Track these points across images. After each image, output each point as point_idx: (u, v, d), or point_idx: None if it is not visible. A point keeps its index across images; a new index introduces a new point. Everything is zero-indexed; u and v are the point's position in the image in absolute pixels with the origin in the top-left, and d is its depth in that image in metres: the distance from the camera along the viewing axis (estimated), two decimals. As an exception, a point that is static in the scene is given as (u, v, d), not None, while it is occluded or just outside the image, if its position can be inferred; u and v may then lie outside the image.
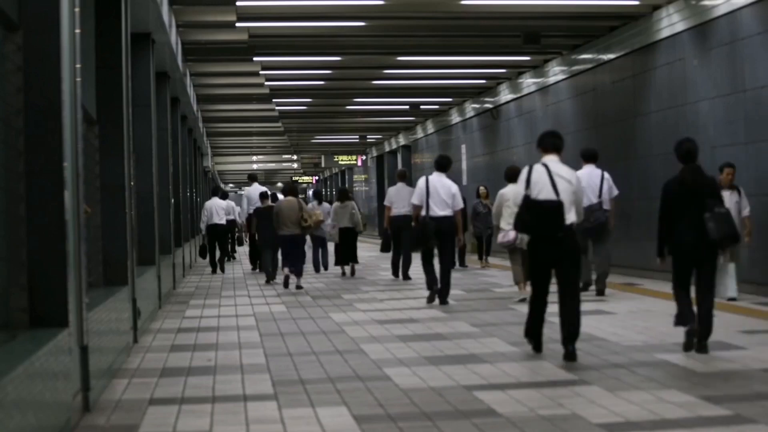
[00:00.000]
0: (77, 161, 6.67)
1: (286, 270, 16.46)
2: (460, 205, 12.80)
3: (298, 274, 16.28)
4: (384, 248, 18.12)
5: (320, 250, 20.26)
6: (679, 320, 8.45)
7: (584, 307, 11.43)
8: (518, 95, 22.93)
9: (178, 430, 6.17)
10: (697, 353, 8.24)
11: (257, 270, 20.97)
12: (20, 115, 6.07)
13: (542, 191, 8.56)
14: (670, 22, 15.18)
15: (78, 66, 6.79)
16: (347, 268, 19.09)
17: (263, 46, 18.03)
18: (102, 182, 9.92)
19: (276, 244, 17.54)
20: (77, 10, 6.85)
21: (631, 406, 6.35)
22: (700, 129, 14.50)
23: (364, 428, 6.01)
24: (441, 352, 8.88)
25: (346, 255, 19.07)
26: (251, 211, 20.59)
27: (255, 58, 19.08)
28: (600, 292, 13.26)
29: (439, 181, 12.83)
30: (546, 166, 8.80)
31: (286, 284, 16.32)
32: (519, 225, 8.55)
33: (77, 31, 6.79)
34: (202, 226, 22.15)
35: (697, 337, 8.31)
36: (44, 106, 6.16)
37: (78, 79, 6.75)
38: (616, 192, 13.46)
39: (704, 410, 6.19)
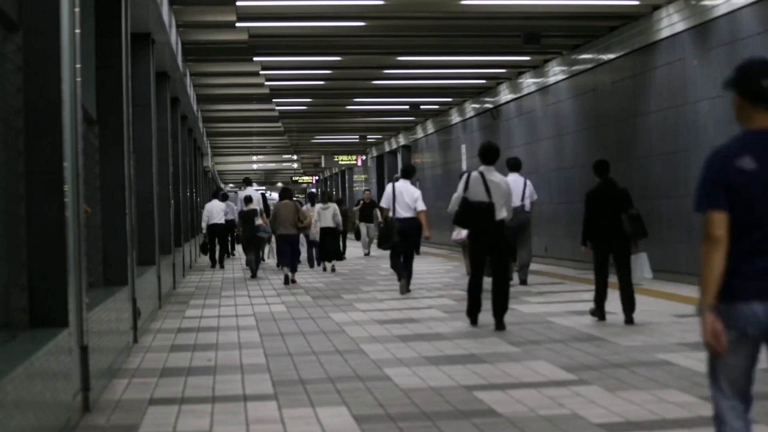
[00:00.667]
0: (77, 161, 6.67)
1: (286, 270, 17.75)
2: (421, 207, 14.54)
3: (293, 270, 17.67)
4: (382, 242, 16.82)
5: (313, 248, 21.85)
6: (596, 304, 10.81)
7: (586, 307, 11.52)
8: (518, 95, 22.93)
9: (178, 430, 6.17)
10: (626, 324, 10.31)
11: (221, 267, 23.33)
12: (20, 115, 6.07)
13: (477, 194, 10.48)
14: (670, 22, 15.18)
15: (78, 66, 6.79)
16: (328, 265, 20.54)
17: (263, 46, 18.04)
18: (102, 182, 9.92)
19: (257, 242, 20.05)
20: (77, 10, 6.85)
21: (631, 406, 6.35)
22: (700, 129, 14.50)
23: (364, 428, 6.01)
24: (441, 352, 8.88)
25: (328, 253, 20.62)
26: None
27: (255, 58, 19.09)
28: (523, 282, 15.38)
29: (404, 186, 14.70)
30: (482, 173, 10.66)
31: (286, 282, 17.35)
32: (457, 221, 10.82)
33: (77, 31, 6.80)
34: (203, 225, 24.03)
35: (624, 311, 10.52)
36: (44, 106, 6.16)
37: (78, 79, 6.75)
38: (535, 197, 15.95)
39: (704, 410, 6.18)
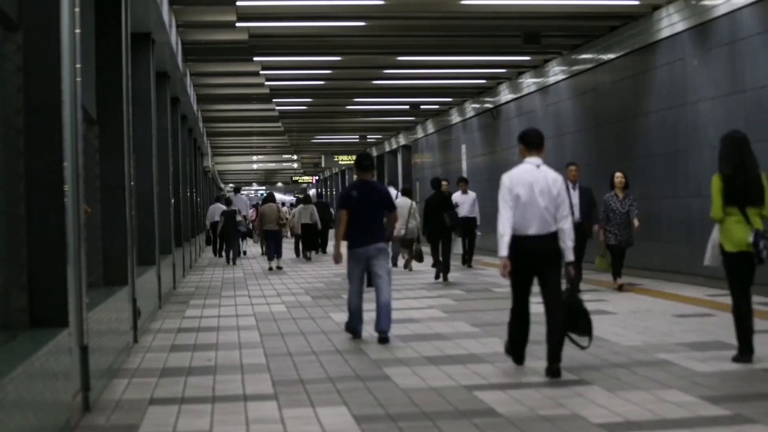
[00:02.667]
0: (77, 161, 6.67)
1: (274, 263, 22.32)
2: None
3: (279, 256, 22.58)
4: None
5: (299, 241, 26.64)
6: (437, 271, 17.02)
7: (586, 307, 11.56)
8: (518, 95, 22.93)
9: (178, 430, 6.17)
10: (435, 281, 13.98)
11: (220, 256, 27.77)
12: (20, 115, 6.07)
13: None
14: (670, 22, 15.17)
15: (78, 66, 6.79)
16: (309, 254, 25.85)
17: (263, 46, 18.04)
18: (102, 182, 9.92)
19: (236, 237, 25.77)
20: (77, 10, 6.85)
21: (631, 406, 6.35)
22: (700, 129, 14.50)
23: (364, 428, 6.01)
24: (441, 352, 8.88)
25: (306, 245, 25.77)
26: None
27: (255, 58, 19.09)
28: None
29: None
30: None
31: (270, 269, 21.93)
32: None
33: (77, 31, 6.79)
34: (207, 223, 29.85)
35: (443, 272, 16.96)
36: (44, 106, 6.16)
37: (78, 79, 6.75)
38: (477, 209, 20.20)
39: (704, 410, 6.19)
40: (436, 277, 16.84)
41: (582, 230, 12.93)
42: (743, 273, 7.90)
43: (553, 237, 7.70)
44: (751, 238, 7.76)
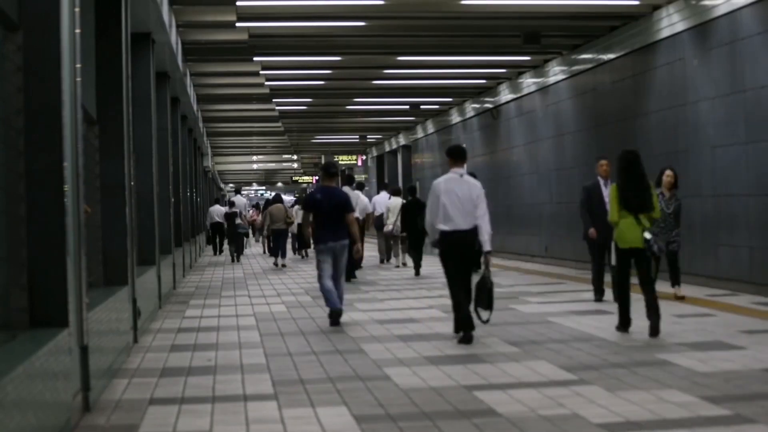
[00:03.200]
0: (77, 161, 6.67)
1: (280, 260, 23.70)
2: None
3: (283, 255, 23.92)
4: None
5: (296, 240, 27.90)
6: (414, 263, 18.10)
7: (586, 307, 11.54)
8: (518, 95, 22.93)
9: (178, 430, 6.17)
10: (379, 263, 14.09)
11: (221, 254, 30.17)
12: (20, 115, 6.06)
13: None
14: (670, 22, 15.18)
15: (78, 66, 6.79)
16: (305, 252, 27.51)
17: (263, 46, 18.04)
18: (102, 182, 9.92)
19: (238, 236, 27.68)
20: (77, 10, 6.85)
21: (631, 406, 6.35)
22: (700, 129, 14.50)
23: (364, 428, 6.01)
24: (441, 352, 8.88)
25: (302, 243, 26.38)
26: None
27: (255, 58, 19.09)
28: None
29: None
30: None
31: (276, 264, 23.49)
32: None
33: (77, 31, 6.79)
34: (207, 223, 31.44)
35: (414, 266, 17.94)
36: (44, 106, 6.16)
37: (78, 79, 6.75)
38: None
39: (704, 410, 6.19)
40: (416, 274, 18.73)
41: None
42: (629, 265, 9.89)
43: (474, 231, 9.60)
44: (648, 235, 9.58)
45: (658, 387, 6.94)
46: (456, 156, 9.87)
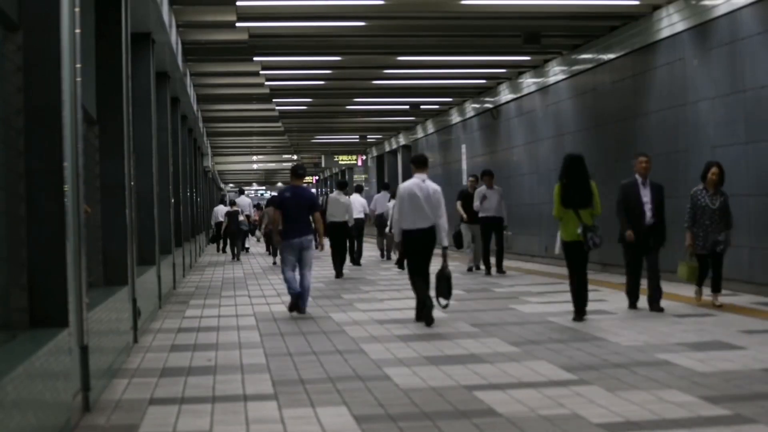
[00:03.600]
0: (77, 161, 6.67)
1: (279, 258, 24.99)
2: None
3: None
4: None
5: None
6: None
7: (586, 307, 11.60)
8: (518, 95, 22.93)
9: (178, 430, 6.17)
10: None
11: (223, 252, 31.27)
12: (20, 115, 6.06)
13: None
14: (670, 22, 15.18)
15: (78, 66, 6.79)
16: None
17: (263, 46, 18.04)
18: (102, 182, 9.92)
19: (240, 234, 28.79)
20: (77, 10, 6.85)
21: (631, 406, 6.35)
22: (700, 129, 14.50)
23: (364, 428, 6.01)
24: (441, 352, 8.88)
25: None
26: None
27: (255, 58, 19.08)
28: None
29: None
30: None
31: (275, 263, 24.23)
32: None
33: (77, 31, 6.79)
34: (213, 222, 32.07)
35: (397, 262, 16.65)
36: (44, 106, 6.16)
37: (78, 79, 6.75)
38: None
39: (704, 410, 6.19)
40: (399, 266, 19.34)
41: (661, 233, 11.71)
42: (575, 256, 11.06)
43: (432, 229, 10.95)
44: (579, 230, 10.86)
45: (658, 387, 6.94)
46: (418, 164, 11.24)
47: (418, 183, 11.02)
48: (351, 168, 50.99)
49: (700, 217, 11.66)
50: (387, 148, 41.28)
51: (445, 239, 10.92)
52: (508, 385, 7.24)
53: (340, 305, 13.43)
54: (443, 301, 10.99)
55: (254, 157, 50.99)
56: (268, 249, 28.55)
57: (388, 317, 11.77)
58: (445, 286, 10.92)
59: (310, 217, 12.68)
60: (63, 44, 6.31)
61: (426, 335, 10.05)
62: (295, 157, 49.81)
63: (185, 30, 16.94)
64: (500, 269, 18.06)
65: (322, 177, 67.73)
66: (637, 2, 15.42)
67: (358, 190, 24.38)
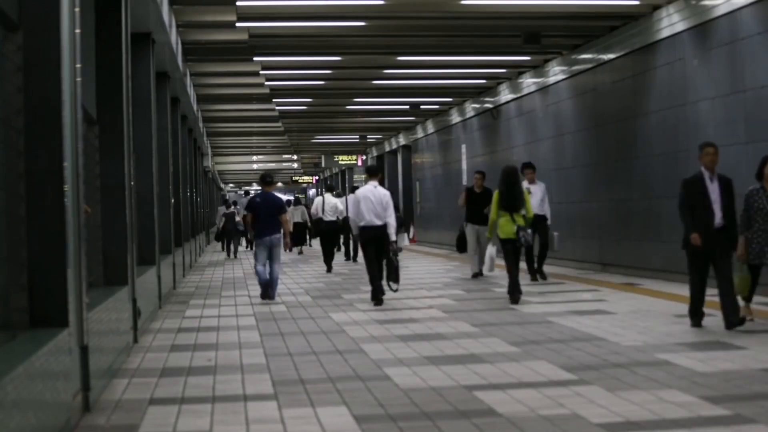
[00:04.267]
0: (77, 161, 6.67)
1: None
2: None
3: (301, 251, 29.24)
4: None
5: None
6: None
7: (586, 307, 11.55)
8: (518, 95, 22.93)
9: (178, 430, 6.17)
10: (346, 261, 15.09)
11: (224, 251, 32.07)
12: (20, 115, 6.06)
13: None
14: (670, 22, 15.18)
15: (78, 66, 6.79)
16: (297, 248, 30.22)
17: (263, 46, 18.03)
18: (102, 182, 9.92)
19: (236, 235, 30.56)
20: (77, 10, 6.85)
21: (631, 406, 6.35)
22: (700, 129, 14.50)
23: (364, 428, 6.01)
24: (441, 352, 8.88)
25: (298, 240, 29.26)
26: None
27: (255, 58, 19.08)
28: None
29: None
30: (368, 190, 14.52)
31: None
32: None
33: (77, 31, 6.79)
34: (218, 221, 33.55)
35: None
36: (44, 106, 6.16)
37: (78, 79, 6.75)
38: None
39: (704, 410, 6.19)
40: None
41: (732, 237, 9.90)
42: (511, 251, 13.00)
43: (383, 227, 13.31)
44: (514, 228, 12.87)
45: (658, 387, 6.94)
46: (372, 172, 14.17)
47: (371, 189, 13.54)
48: (351, 168, 50.95)
49: (756, 220, 9.90)
50: (387, 148, 41.28)
51: (393, 234, 13.30)
52: (508, 385, 7.24)
53: (340, 305, 13.43)
54: (394, 286, 13.25)
55: (254, 157, 50.95)
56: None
57: (388, 317, 11.77)
58: (394, 274, 13.21)
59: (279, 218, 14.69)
60: (63, 44, 6.31)
61: (426, 335, 10.06)
62: (295, 157, 49.79)
63: (185, 30, 16.94)
64: (541, 274, 16.28)
65: (322, 177, 67.73)
66: (637, 2, 15.42)
67: (354, 191, 24.86)
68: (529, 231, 13.02)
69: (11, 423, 4.52)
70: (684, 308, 11.58)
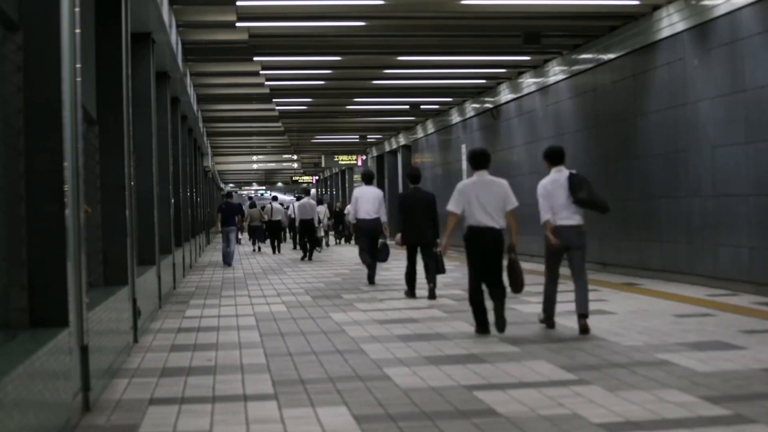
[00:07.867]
0: (77, 161, 6.67)
1: (257, 246, 35.11)
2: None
3: (261, 242, 34.63)
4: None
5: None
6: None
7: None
8: (518, 95, 22.94)
9: (178, 430, 6.17)
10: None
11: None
12: (20, 115, 6.06)
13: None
14: (670, 22, 15.18)
15: (78, 66, 6.79)
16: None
17: (263, 46, 18.04)
18: (102, 182, 9.92)
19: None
20: (77, 10, 6.85)
21: (631, 406, 6.35)
22: (700, 129, 14.51)
23: (364, 428, 6.01)
24: (441, 352, 8.88)
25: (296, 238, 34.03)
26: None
27: (255, 58, 19.09)
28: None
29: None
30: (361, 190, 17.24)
31: (257, 250, 34.26)
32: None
33: (77, 31, 6.79)
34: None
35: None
36: (44, 106, 6.15)
37: (78, 79, 6.75)
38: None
39: (704, 410, 6.19)
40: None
41: None
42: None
43: (377, 219, 16.27)
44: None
45: (658, 387, 6.94)
46: (366, 179, 16.79)
47: (366, 188, 16.61)
48: (351, 168, 50.98)
49: None
50: (387, 148, 41.28)
51: (386, 228, 16.44)
52: (508, 385, 7.24)
53: (340, 305, 13.43)
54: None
55: (254, 157, 50.98)
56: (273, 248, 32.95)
57: (388, 317, 11.77)
58: (383, 252, 16.24)
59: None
60: (63, 44, 6.31)
61: (426, 335, 10.06)
62: (295, 157, 49.82)
63: (185, 30, 16.95)
64: None
65: (321, 177, 67.74)
66: (637, 2, 15.42)
67: (313, 198, 29.79)
68: None
69: (11, 423, 4.52)
70: (684, 308, 11.58)
